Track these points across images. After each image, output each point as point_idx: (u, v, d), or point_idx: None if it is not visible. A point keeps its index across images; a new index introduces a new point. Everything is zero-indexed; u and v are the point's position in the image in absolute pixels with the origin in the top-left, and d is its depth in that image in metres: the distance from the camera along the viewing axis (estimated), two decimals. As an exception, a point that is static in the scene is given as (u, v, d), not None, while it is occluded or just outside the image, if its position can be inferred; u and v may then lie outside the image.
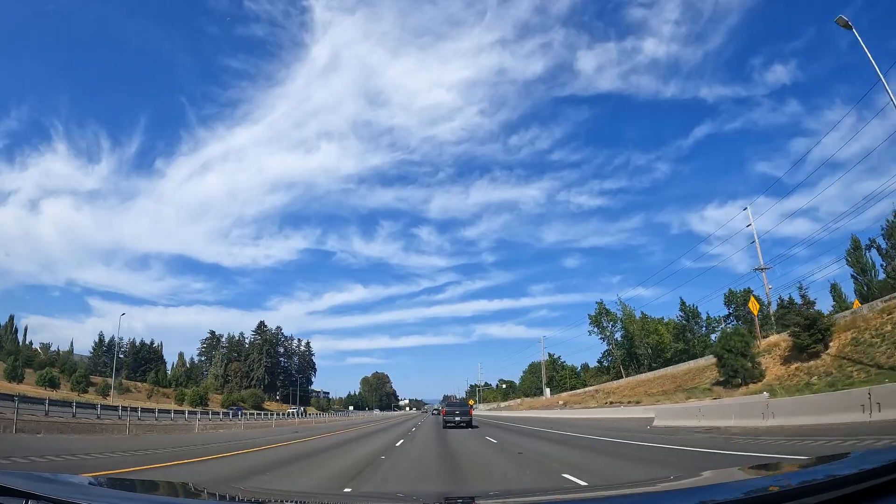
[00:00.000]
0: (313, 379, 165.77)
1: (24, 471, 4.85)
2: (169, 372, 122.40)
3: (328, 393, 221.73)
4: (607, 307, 76.61)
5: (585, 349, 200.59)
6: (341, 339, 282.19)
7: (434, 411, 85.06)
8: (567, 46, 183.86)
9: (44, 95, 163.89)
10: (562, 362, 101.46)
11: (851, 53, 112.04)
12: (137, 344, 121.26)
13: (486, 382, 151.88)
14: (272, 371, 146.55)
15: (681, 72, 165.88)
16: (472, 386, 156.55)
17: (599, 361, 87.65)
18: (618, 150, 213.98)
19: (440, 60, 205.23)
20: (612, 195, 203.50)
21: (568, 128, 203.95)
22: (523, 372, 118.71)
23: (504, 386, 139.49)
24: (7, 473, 1.98)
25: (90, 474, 4.02)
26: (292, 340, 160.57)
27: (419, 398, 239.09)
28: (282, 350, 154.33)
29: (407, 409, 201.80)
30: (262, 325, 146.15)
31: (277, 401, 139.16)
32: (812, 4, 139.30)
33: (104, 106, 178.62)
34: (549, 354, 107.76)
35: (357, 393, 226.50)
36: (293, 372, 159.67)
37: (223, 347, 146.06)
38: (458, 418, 28.08)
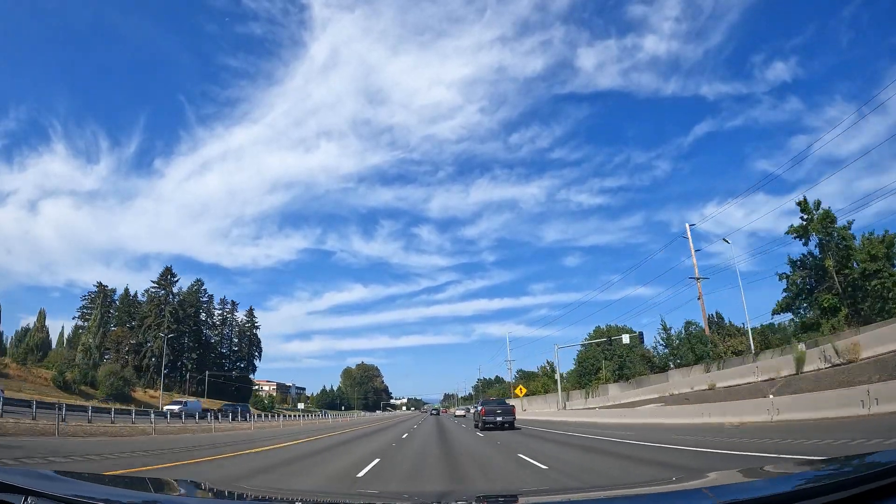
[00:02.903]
0: (257, 363, 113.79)
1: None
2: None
3: (302, 387, 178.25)
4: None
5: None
6: (341, 338, 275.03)
7: (434, 411, 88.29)
8: (567, 44, 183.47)
9: (42, 95, 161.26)
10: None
11: (852, 50, 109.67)
12: None
13: (496, 376, 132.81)
14: (182, 344, 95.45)
15: (681, 69, 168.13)
16: (479, 381, 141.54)
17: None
18: (618, 148, 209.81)
19: (440, 58, 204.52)
20: (612, 193, 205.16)
21: (568, 126, 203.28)
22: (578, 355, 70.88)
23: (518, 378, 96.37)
24: (7, 471, 2.08)
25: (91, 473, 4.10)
26: (225, 305, 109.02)
27: (418, 397, 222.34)
28: (205, 317, 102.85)
29: (404, 409, 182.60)
30: (167, 273, 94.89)
31: (180, 392, 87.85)
32: (812, 1, 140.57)
33: (103, 106, 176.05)
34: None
35: (335, 388, 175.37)
36: (228, 351, 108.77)
37: (115, 311, 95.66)
38: (499, 418, 26.07)
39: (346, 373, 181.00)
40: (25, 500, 1.69)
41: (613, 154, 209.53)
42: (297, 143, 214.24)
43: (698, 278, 44.57)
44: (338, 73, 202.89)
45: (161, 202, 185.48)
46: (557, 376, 55.99)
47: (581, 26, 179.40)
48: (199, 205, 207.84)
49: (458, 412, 67.06)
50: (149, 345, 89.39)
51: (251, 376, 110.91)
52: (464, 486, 8.54)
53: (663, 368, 51.66)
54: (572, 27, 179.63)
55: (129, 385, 71.00)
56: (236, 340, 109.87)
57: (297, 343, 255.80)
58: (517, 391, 59.75)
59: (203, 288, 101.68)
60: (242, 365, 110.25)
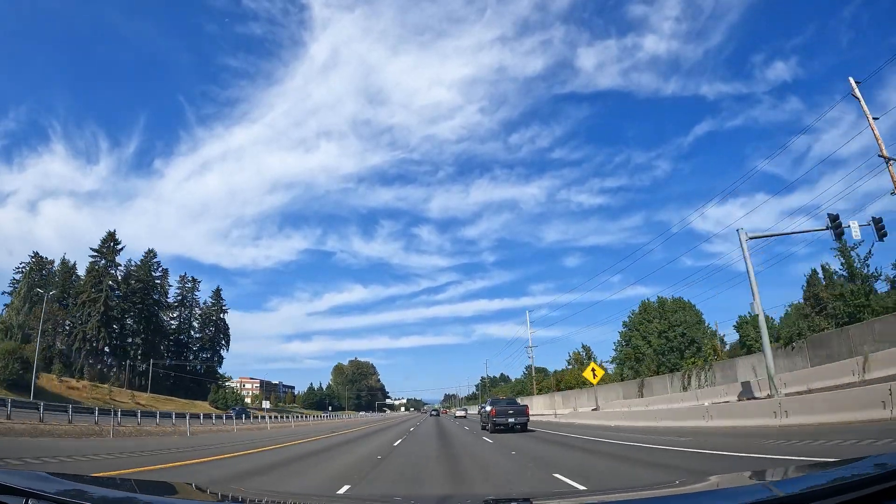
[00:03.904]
0: (224, 354, 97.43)
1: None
2: None
3: (291, 385, 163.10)
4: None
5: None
6: (341, 339, 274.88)
7: (433, 412, 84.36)
8: (567, 44, 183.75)
9: (42, 95, 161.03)
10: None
11: (852, 50, 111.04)
12: None
13: (501, 374, 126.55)
14: (125, 326, 79.44)
15: (681, 69, 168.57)
16: (483, 379, 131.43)
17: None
18: (618, 148, 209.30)
19: (440, 58, 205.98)
20: (612, 193, 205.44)
21: (568, 126, 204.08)
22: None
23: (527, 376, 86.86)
24: (8, 472, 2.00)
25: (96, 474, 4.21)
26: (185, 283, 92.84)
27: (418, 398, 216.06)
28: (159, 297, 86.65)
29: (403, 409, 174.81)
30: (110, 240, 78.74)
31: (117, 384, 71.94)
32: (812, 1, 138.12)
33: (102, 106, 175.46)
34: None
35: (324, 387, 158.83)
36: (188, 338, 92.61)
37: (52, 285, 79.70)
38: (511, 419, 23.42)
39: (338, 370, 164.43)
40: (25, 502, 1.68)
41: (613, 154, 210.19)
42: (297, 144, 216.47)
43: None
44: (338, 73, 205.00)
45: (161, 203, 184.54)
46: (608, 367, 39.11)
47: (581, 26, 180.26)
48: (199, 205, 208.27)
49: (458, 413, 64.54)
50: (81, 325, 73.38)
51: (219, 369, 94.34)
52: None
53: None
54: (572, 27, 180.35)
55: (29, 370, 54.83)
56: (197, 325, 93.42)
57: (297, 344, 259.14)
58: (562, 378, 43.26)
59: (156, 261, 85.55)
60: (207, 356, 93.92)
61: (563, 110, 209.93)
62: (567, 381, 47.23)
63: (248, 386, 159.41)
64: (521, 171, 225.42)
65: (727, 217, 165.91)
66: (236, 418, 45.50)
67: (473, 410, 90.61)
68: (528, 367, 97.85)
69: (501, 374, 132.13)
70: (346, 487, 8.41)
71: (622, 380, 44.14)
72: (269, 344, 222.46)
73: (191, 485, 3.17)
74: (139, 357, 77.54)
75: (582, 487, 7.88)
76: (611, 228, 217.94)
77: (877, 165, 21.73)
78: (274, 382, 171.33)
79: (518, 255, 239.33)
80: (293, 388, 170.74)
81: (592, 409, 33.96)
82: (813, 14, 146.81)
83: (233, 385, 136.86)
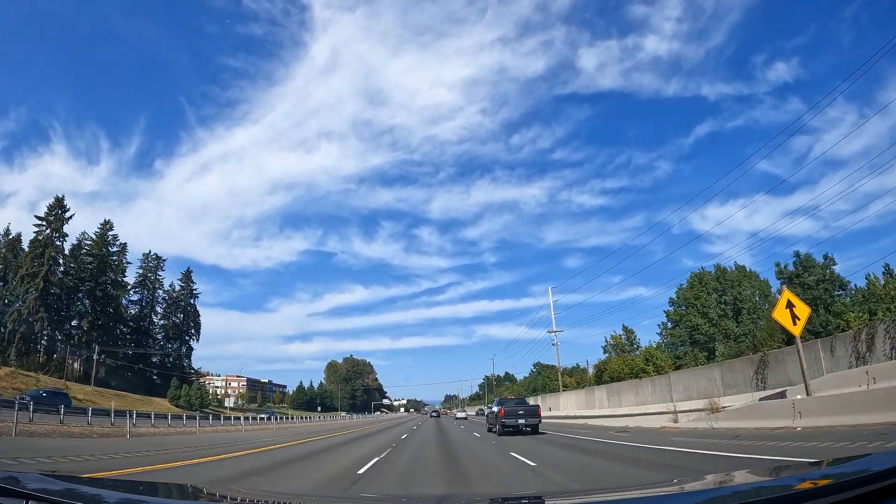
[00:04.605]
0: (194, 345, 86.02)
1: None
2: None
3: (283, 385, 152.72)
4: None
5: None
6: (342, 340, 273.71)
7: (434, 413, 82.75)
8: (568, 44, 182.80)
9: (42, 96, 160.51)
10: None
11: (853, 50, 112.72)
12: None
13: (506, 372, 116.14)
14: (72, 308, 68.37)
15: (682, 70, 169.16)
16: (486, 378, 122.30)
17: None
18: (619, 149, 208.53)
19: (441, 59, 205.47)
20: (613, 194, 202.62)
21: (569, 127, 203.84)
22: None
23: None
24: (8, 474, 1.97)
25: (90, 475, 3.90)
26: (149, 261, 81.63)
27: (419, 399, 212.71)
28: (116, 276, 75.47)
29: (402, 410, 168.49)
30: (58, 206, 67.58)
31: (57, 375, 60.89)
32: (813, 1, 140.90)
33: (103, 107, 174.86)
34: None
35: (316, 385, 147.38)
36: (149, 325, 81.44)
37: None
38: (521, 420, 21.60)
39: (331, 367, 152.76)
40: (26, 503, 1.69)
41: (615, 155, 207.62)
42: (298, 144, 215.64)
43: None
44: (338, 73, 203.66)
45: (161, 203, 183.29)
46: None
47: (582, 27, 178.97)
48: (200, 206, 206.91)
49: (459, 414, 62.34)
50: (18, 304, 62.37)
51: (184, 362, 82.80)
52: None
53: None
54: (573, 27, 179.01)
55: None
56: (162, 311, 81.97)
57: (298, 344, 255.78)
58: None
59: (113, 234, 74.40)
60: (173, 346, 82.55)
61: (564, 111, 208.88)
62: (613, 372, 35.61)
63: (234, 384, 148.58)
64: (522, 172, 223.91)
65: (727, 216, 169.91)
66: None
67: (472, 412, 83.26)
68: (536, 365, 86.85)
69: (506, 372, 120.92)
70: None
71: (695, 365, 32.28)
72: (270, 345, 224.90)
73: (188, 486, 3.06)
74: (85, 344, 66.29)
75: None
76: (611, 229, 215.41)
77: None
78: (264, 381, 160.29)
79: (519, 256, 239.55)
80: (285, 387, 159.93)
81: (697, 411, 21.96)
82: (814, 14, 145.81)
83: (208, 381, 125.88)
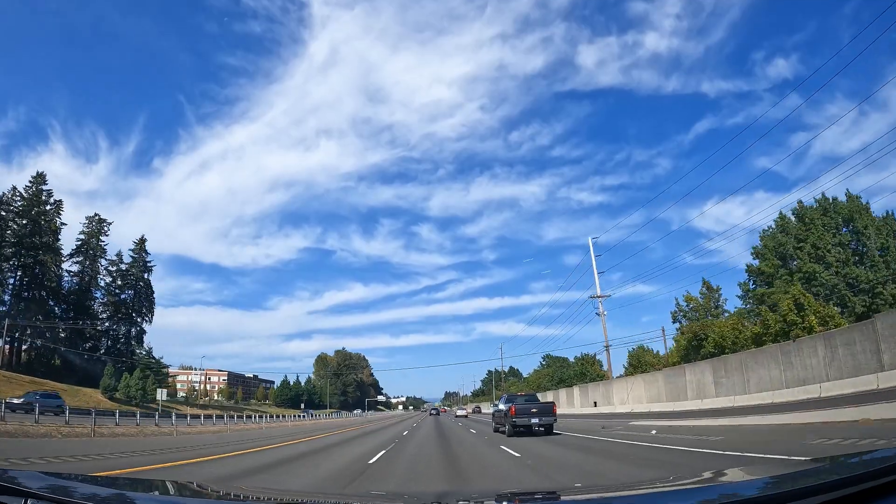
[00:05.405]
0: (146, 327, 72.94)
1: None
2: None
3: (270, 380, 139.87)
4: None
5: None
6: (341, 338, 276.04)
7: (433, 411, 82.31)
8: (568, 41, 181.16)
9: (41, 95, 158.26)
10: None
11: (853, 48, 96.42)
12: None
13: (511, 367, 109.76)
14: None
15: (682, 66, 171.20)
16: (490, 372, 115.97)
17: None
18: (619, 146, 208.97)
19: (440, 56, 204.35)
20: (612, 191, 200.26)
21: (569, 123, 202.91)
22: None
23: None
24: (7, 472, 1.97)
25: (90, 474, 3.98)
26: (92, 224, 68.82)
27: (418, 396, 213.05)
28: (50, 240, 62.67)
29: (401, 408, 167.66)
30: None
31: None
32: None
33: (102, 105, 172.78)
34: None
35: (303, 381, 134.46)
36: (89, 301, 68.64)
37: None
38: (534, 419, 18.67)
39: (320, 361, 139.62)
40: (25, 502, 1.64)
41: (614, 152, 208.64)
42: (297, 142, 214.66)
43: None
44: (337, 71, 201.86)
45: (160, 202, 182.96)
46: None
47: (582, 23, 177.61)
48: (199, 204, 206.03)
49: (459, 412, 62.88)
50: None
51: (136, 349, 69.81)
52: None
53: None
54: (573, 24, 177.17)
55: None
56: (104, 284, 69.01)
57: (298, 342, 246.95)
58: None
59: (47, 189, 61.67)
60: (119, 329, 69.59)
61: (563, 108, 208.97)
62: (720, 340, 23.00)
63: (213, 379, 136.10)
64: (522, 169, 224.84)
65: (727, 215, 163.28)
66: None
67: (471, 409, 74.49)
68: (546, 357, 75.66)
69: (511, 367, 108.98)
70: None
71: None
72: (270, 343, 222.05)
73: (192, 483, 3.12)
74: (4, 319, 53.62)
75: None
76: (611, 226, 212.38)
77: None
78: (248, 376, 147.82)
79: (518, 253, 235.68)
80: (273, 382, 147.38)
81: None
82: (814, 10, 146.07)
83: (187, 375, 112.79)
